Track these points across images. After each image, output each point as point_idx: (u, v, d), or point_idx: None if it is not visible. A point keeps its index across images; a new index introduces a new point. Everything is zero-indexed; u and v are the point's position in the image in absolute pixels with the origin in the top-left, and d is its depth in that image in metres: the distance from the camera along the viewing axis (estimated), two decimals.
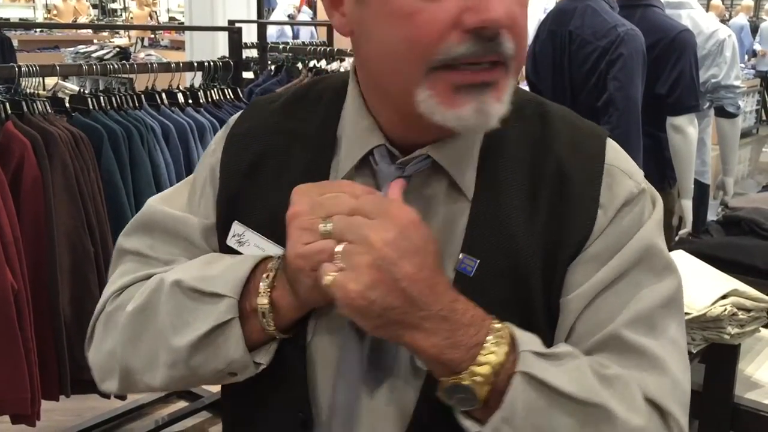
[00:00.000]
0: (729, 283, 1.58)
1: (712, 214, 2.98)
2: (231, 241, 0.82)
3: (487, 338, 0.69)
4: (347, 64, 3.06)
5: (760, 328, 1.58)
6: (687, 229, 2.71)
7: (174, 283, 0.79)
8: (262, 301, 0.75)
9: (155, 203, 0.90)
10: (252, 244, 0.81)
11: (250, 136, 0.86)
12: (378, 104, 0.79)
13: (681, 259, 1.75)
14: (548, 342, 0.76)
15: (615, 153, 0.81)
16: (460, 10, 0.67)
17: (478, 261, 0.76)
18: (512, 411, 0.68)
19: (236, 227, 0.82)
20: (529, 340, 0.71)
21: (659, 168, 2.60)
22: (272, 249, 0.80)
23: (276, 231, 0.79)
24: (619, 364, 0.73)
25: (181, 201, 0.89)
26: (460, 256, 0.76)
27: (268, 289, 0.76)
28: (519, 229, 0.77)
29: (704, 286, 1.57)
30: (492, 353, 0.68)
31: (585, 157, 0.79)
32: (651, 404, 0.72)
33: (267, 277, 0.76)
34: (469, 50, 0.68)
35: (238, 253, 0.81)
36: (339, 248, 0.69)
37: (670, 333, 0.76)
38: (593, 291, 0.76)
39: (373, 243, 0.67)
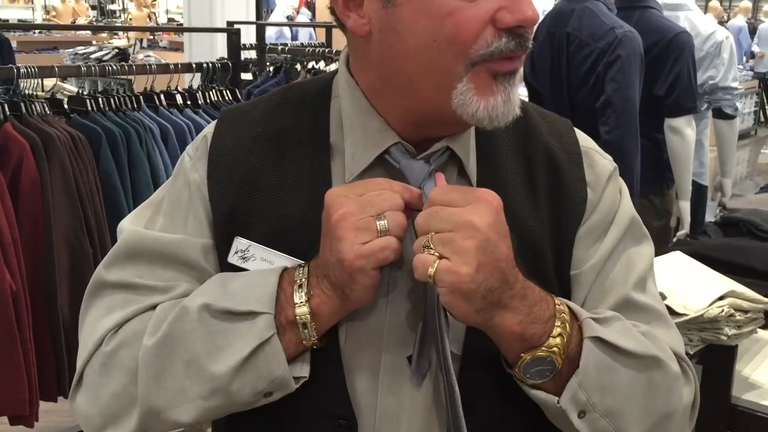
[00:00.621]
0: (726, 284, 1.58)
1: (710, 216, 2.98)
2: (233, 258, 0.80)
3: (555, 311, 0.75)
4: None
5: (758, 330, 1.58)
6: (685, 230, 2.71)
7: (202, 308, 0.75)
8: (303, 311, 0.74)
9: (137, 228, 0.84)
10: (258, 258, 0.79)
11: (236, 149, 0.84)
12: (391, 103, 0.79)
13: (678, 260, 1.76)
14: None
15: (582, 136, 0.91)
16: (495, 9, 0.72)
17: None
18: (585, 374, 0.74)
19: (238, 243, 0.80)
20: (581, 310, 0.78)
21: (657, 169, 2.60)
22: (280, 260, 0.78)
23: (282, 242, 0.79)
24: (637, 322, 0.82)
25: (160, 222, 0.84)
26: None
27: (306, 299, 0.74)
28: (525, 211, 0.82)
29: (701, 288, 1.57)
30: (562, 324, 0.74)
31: (565, 142, 0.88)
32: (673, 353, 0.82)
33: (300, 287, 0.75)
34: (506, 46, 0.73)
35: (241, 269, 0.79)
36: (424, 240, 0.70)
37: (655, 291, 0.88)
38: (601, 263, 0.84)
39: (479, 227, 0.70)
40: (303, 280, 0.75)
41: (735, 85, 2.92)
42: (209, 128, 0.88)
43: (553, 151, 0.86)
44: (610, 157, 0.91)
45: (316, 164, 0.82)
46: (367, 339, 0.79)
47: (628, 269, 0.85)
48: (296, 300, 0.74)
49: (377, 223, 0.72)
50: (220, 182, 0.83)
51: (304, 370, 0.76)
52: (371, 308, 0.78)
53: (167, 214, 0.85)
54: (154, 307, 0.79)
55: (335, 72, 0.87)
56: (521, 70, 0.78)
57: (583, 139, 0.90)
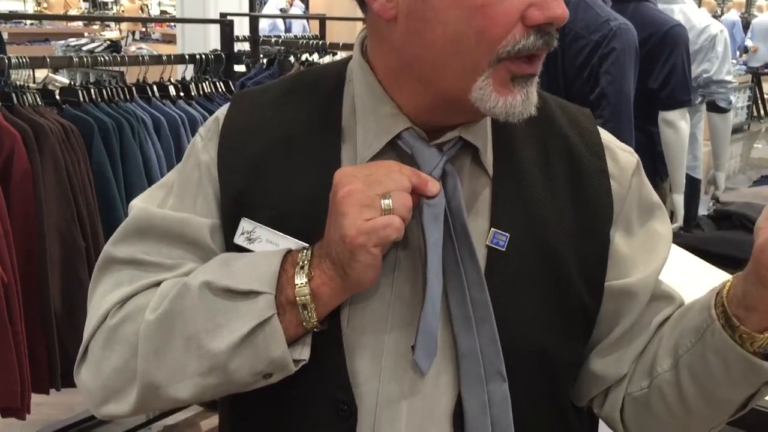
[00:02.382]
0: (720, 276, 1.59)
1: (704, 209, 2.99)
2: (239, 239, 0.80)
3: None
4: (339, 57, 3.05)
5: None
6: (678, 223, 2.72)
7: (203, 285, 0.75)
8: (303, 291, 0.74)
9: (147, 206, 0.85)
10: (264, 240, 0.79)
11: (247, 131, 0.85)
12: (407, 89, 0.79)
13: (672, 253, 1.76)
14: (590, 306, 0.83)
15: (603, 131, 0.90)
16: (525, 5, 0.72)
17: (509, 235, 0.80)
18: None
19: (245, 224, 0.80)
20: None
21: (651, 162, 2.61)
22: (286, 243, 0.79)
23: (289, 224, 0.79)
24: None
25: (171, 202, 0.85)
26: (492, 231, 0.80)
27: (307, 280, 0.74)
28: (542, 202, 0.82)
29: (695, 280, 1.57)
30: None
31: (585, 134, 0.87)
32: None
33: (302, 268, 0.75)
34: (534, 44, 0.73)
35: (247, 250, 0.80)
36: None
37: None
38: (655, 276, 0.86)
39: None
40: (305, 261, 0.75)
41: (729, 78, 2.93)
42: (222, 110, 0.89)
43: (573, 143, 0.86)
44: (631, 150, 0.90)
45: (326, 148, 0.82)
46: (369, 324, 0.78)
47: (656, 257, 0.87)
48: (297, 281, 0.74)
49: (382, 201, 0.71)
50: (229, 163, 0.83)
51: (304, 353, 0.76)
52: (374, 293, 0.78)
53: (177, 195, 0.86)
54: (159, 283, 0.80)
55: (349, 58, 0.87)
56: (539, 70, 0.77)
57: (603, 133, 0.90)
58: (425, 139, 0.80)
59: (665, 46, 2.52)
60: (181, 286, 0.77)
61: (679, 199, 2.73)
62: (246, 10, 5.73)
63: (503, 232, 0.80)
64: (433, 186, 0.76)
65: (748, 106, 10.17)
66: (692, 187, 2.97)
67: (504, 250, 0.80)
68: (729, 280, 0.77)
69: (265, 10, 9.16)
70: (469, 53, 0.73)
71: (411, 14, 0.74)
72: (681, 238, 1.96)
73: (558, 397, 0.85)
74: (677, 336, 0.81)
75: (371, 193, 0.72)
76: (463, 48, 0.73)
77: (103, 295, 0.82)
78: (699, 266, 1.69)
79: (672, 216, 2.77)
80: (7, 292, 1.90)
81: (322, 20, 4.62)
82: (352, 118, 0.83)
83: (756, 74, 10.31)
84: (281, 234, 0.79)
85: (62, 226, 2.00)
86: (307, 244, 0.78)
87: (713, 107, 3.00)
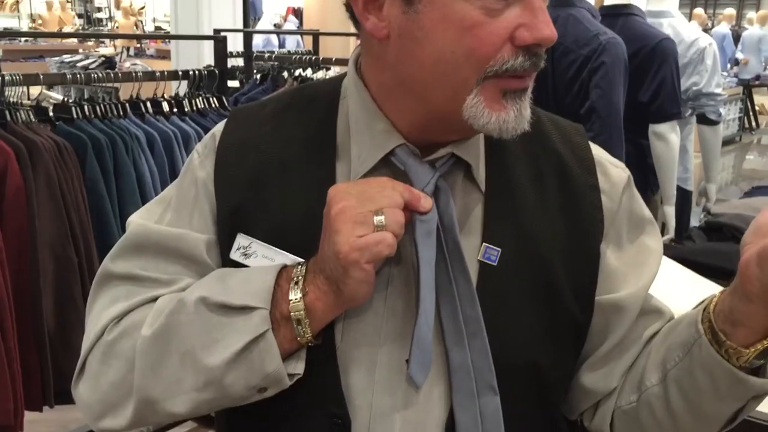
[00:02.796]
0: (710, 287, 1.60)
1: (695, 221, 3.01)
2: (235, 255, 0.81)
3: None
4: (332, 72, 3.07)
5: None
6: (670, 235, 2.73)
7: (199, 301, 0.76)
8: (298, 306, 0.74)
9: (145, 222, 0.86)
10: (260, 255, 0.80)
11: (243, 147, 0.85)
12: (401, 106, 0.80)
13: (663, 265, 1.77)
14: (581, 320, 0.84)
15: (594, 146, 0.92)
16: (515, 26, 0.73)
17: (500, 250, 0.80)
18: None
19: (241, 239, 0.81)
20: None
21: (642, 175, 2.62)
22: (281, 258, 0.79)
23: (285, 239, 0.80)
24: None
25: (168, 218, 0.86)
26: (483, 245, 0.81)
27: (301, 295, 0.75)
28: (534, 218, 0.83)
29: (685, 291, 1.58)
30: None
31: (577, 149, 0.89)
32: None
33: (296, 283, 0.75)
34: (521, 64, 0.74)
35: (243, 265, 0.80)
36: None
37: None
38: (644, 291, 0.87)
39: None
40: (300, 277, 0.76)
41: (718, 91, 2.95)
42: (219, 126, 0.90)
43: (565, 159, 0.87)
44: (622, 165, 0.91)
45: (321, 164, 0.83)
46: (363, 338, 0.79)
47: (646, 273, 0.88)
48: (291, 296, 0.75)
49: (375, 218, 0.72)
50: (226, 179, 0.84)
51: (298, 368, 0.76)
52: (368, 307, 0.79)
53: (174, 210, 0.87)
54: (156, 299, 0.81)
55: (345, 74, 0.88)
56: (531, 85, 0.78)
57: (595, 149, 0.91)
58: (418, 155, 0.80)
59: (654, 60, 2.54)
60: (177, 302, 0.77)
61: (670, 211, 2.74)
62: (240, 25, 5.76)
63: (495, 247, 0.81)
64: (426, 202, 0.76)
65: (740, 118, 10.25)
66: (683, 198, 2.98)
67: (496, 265, 0.80)
68: (716, 294, 0.78)
69: (259, 26, 9.21)
70: (458, 72, 0.73)
71: (402, 34, 0.75)
72: (672, 250, 1.97)
73: (550, 410, 0.86)
74: (665, 350, 0.82)
75: (364, 210, 0.72)
76: (451, 68, 0.73)
77: (100, 310, 0.83)
78: (690, 278, 1.70)
79: (663, 228, 2.78)
80: None
81: (316, 36, 4.65)
82: (346, 134, 0.84)
83: (747, 86, 10.39)
84: (277, 249, 0.80)
85: (55, 242, 2.00)
86: (302, 260, 0.78)
87: (703, 119, 3.02)
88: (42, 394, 2.05)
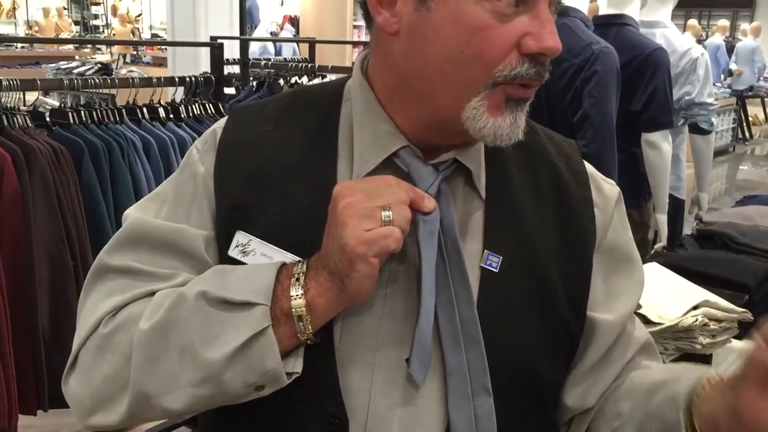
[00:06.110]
0: (700, 293, 1.61)
1: (688, 229, 3.02)
2: (234, 252, 0.80)
3: None
4: (328, 79, 3.09)
5: (732, 339, 1.60)
6: (662, 242, 2.75)
7: (199, 296, 0.75)
8: (299, 303, 0.74)
9: (142, 216, 0.86)
10: (258, 253, 0.80)
11: (244, 145, 0.85)
12: (404, 106, 0.81)
13: (654, 271, 1.79)
14: (574, 328, 0.85)
15: (586, 163, 0.93)
16: (522, 33, 0.74)
17: (501, 257, 0.82)
18: None
19: (239, 237, 0.81)
20: None
21: (634, 183, 2.64)
22: (280, 256, 0.79)
23: (284, 238, 0.80)
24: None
25: (165, 213, 0.86)
26: (485, 252, 0.82)
27: (302, 291, 0.75)
28: (532, 226, 0.84)
29: (676, 298, 1.59)
30: None
31: (571, 163, 0.91)
32: None
33: (297, 280, 0.75)
34: (527, 72, 0.75)
35: (241, 263, 0.80)
36: None
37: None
38: (625, 318, 0.89)
39: None
40: (301, 274, 0.75)
41: (710, 100, 2.97)
42: (219, 123, 0.89)
43: (560, 171, 0.89)
44: (613, 182, 0.94)
45: (322, 164, 0.83)
46: (361, 338, 0.79)
47: (630, 298, 0.91)
48: (292, 293, 0.74)
49: (382, 213, 0.72)
50: (226, 176, 0.84)
51: (297, 366, 0.76)
52: (368, 307, 0.79)
53: (171, 206, 0.86)
54: (153, 293, 0.79)
55: (347, 78, 0.89)
56: (531, 99, 0.79)
57: (587, 164, 0.93)
58: (421, 158, 0.81)
59: (647, 69, 2.56)
60: (177, 296, 0.77)
61: (662, 219, 2.76)
62: (236, 33, 5.78)
63: (496, 254, 0.82)
64: (429, 202, 0.77)
65: (733, 129, 10.30)
66: (676, 207, 3.00)
67: (497, 271, 0.82)
68: (704, 384, 0.75)
69: (256, 34, 9.22)
70: (466, 72, 0.74)
71: (412, 30, 0.76)
72: (664, 257, 1.98)
73: (543, 414, 0.87)
74: (643, 416, 0.81)
75: (371, 205, 0.72)
76: (460, 67, 0.74)
77: (95, 304, 0.82)
78: (681, 284, 1.71)
79: (656, 235, 2.80)
80: None
81: (312, 44, 4.67)
82: (348, 136, 0.84)
83: (741, 97, 10.45)
84: (275, 248, 0.80)
85: (51, 246, 2.01)
86: (301, 259, 0.78)
87: (695, 129, 3.04)
88: (36, 398, 2.05)
